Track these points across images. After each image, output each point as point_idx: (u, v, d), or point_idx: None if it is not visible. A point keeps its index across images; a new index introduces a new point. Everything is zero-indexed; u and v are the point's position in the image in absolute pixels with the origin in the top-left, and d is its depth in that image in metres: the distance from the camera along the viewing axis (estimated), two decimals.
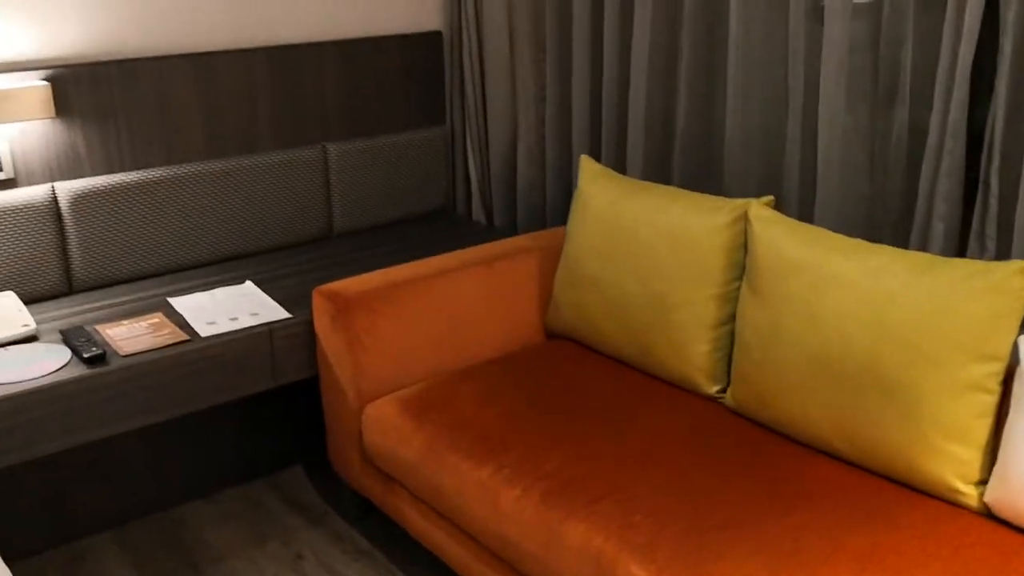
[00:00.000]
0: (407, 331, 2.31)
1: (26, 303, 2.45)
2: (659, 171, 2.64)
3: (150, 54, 2.56)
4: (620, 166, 2.74)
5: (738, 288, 2.10)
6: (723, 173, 2.46)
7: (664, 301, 2.16)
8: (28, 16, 2.36)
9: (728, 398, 2.09)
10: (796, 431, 1.92)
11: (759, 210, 2.03)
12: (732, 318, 2.11)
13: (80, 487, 2.47)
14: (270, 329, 2.29)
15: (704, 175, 2.56)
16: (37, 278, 2.44)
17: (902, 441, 1.73)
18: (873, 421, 1.76)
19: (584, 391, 2.18)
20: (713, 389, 2.14)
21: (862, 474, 1.82)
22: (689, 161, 2.55)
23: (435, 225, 3.05)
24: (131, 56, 2.53)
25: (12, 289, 2.42)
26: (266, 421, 2.77)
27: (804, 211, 2.31)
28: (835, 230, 2.20)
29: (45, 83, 2.32)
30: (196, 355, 2.20)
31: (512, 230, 3.08)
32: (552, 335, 2.53)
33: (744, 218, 2.08)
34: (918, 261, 1.77)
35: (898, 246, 2.15)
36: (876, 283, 1.77)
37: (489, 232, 2.97)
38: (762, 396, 1.97)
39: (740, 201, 2.10)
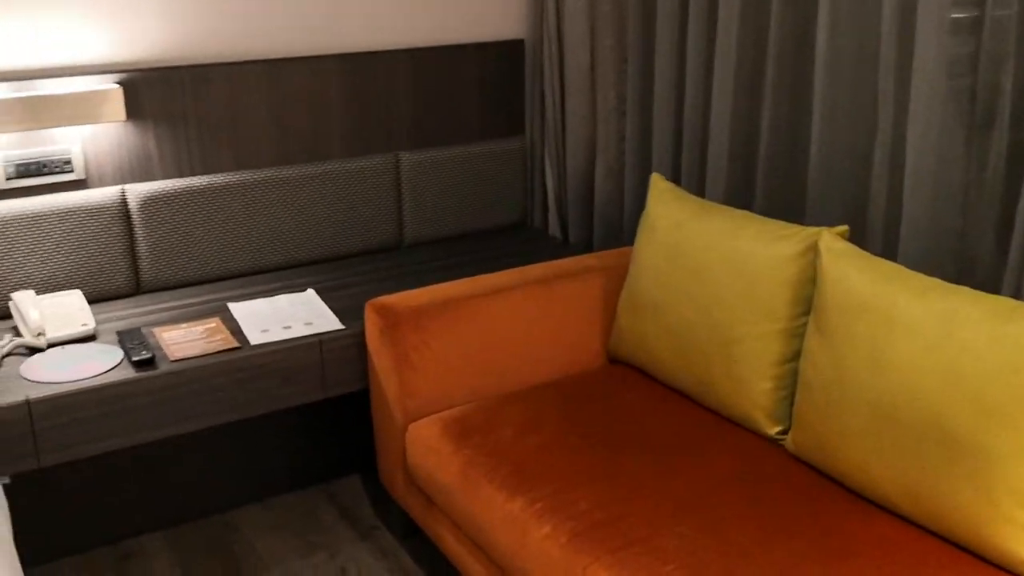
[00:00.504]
0: (458, 350, 2.24)
1: (94, 302, 2.49)
2: (740, 192, 2.49)
3: (222, 59, 2.57)
4: (700, 185, 2.60)
5: (805, 323, 1.95)
6: (806, 196, 2.30)
7: (725, 333, 2.03)
8: (102, 20, 2.39)
9: (789, 441, 1.94)
10: (856, 483, 1.76)
11: (831, 241, 1.88)
12: (798, 355, 1.96)
13: (135, 486, 2.49)
14: (320, 340, 2.25)
15: (787, 198, 2.40)
16: (105, 278, 2.48)
17: (969, 505, 1.56)
18: (938, 480, 1.59)
19: (635, 423, 2.06)
20: (774, 430, 1.99)
21: (924, 536, 1.65)
22: (772, 182, 2.39)
23: (508, 239, 2.98)
24: (204, 61, 2.55)
25: (80, 288, 2.46)
26: (328, 428, 2.74)
27: (889, 243, 2.14)
28: (920, 266, 2.02)
29: (117, 86, 2.35)
30: (244, 363, 2.18)
31: (587, 247, 2.98)
32: (614, 361, 2.42)
33: (815, 248, 1.92)
34: (1000, 307, 1.59)
35: (989, 287, 1.96)
36: (949, 329, 1.60)
37: (562, 248, 2.88)
38: (823, 442, 1.81)
39: (812, 230, 1.95)
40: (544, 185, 3.05)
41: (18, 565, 1.76)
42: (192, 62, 2.53)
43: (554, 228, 3.05)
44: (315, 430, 2.72)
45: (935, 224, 2.03)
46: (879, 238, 2.14)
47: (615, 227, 2.91)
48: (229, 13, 2.55)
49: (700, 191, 2.60)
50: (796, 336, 1.95)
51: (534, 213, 3.10)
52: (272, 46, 2.63)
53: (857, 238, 2.19)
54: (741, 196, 2.49)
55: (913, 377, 1.62)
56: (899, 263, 2.04)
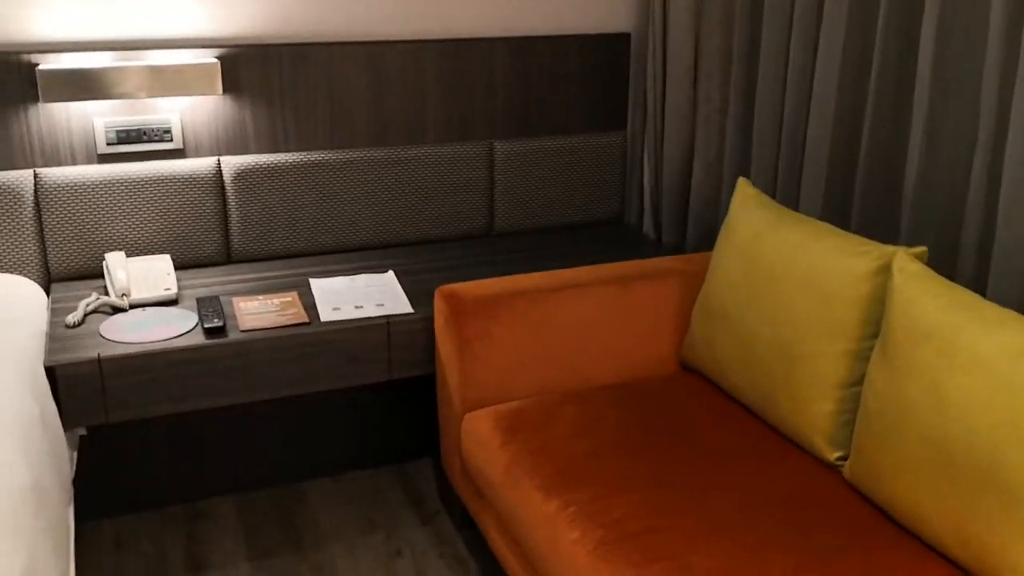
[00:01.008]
0: (523, 343, 2.21)
1: (187, 268, 2.58)
2: (837, 205, 2.36)
3: (321, 39, 2.61)
4: (796, 194, 2.49)
5: (874, 346, 1.83)
6: (902, 214, 2.16)
7: (791, 349, 1.93)
8: None
9: (846, 469, 1.83)
10: (909, 521, 1.65)
11: (904, 261, 1.76)
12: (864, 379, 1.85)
13: (213, 450, 2.58)
14: (388, 322, 2.27)
15: (884, 215, 2.26)
16: (197, 246, 2.57)
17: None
18: (992, 529, 1.47)
19: (691, 434, 1.99)
20: (833, 455, 1.88)
21: None
22: (869, 197, 2.26)
23: (600, 235, 2.93)
24: (302, 40, 2.60)
25: (172, 254, 2.55)
26: (405, 409, 2.77)
27: (979, 272, 1.98)
28: (1012, 300, 1.86)
29: (215, 60, 2.42)
30: (311, 338, 2.22)
31: (680, 248, 2.90)
32: (686, 368, 2.34)
33: (890, 268, 1.81)
34: None
35: None
36: (1017, 367, 1.47)
37: (653, 248, 2.81)
38: (879, 474, 1.71)
39: (888, 248, 1.83)
40: (642, 182, 2.98)
41: (70, 513, 1.84)
42: (290, 40, 2.59)
43: (648, 227, 2.99)
44: (393, 410, 2.75)
45: None
46: (969, 264, 1.99)
47: (710, 229, 2.82)
48: None
49: (795, 200, 2.49)
50: (864, 359, 1.84)
51: (630, 210, 3.04)
52: (371, 28, 2.65)
53: (947, 264, 2.05)
54: (837, 209, 2.37)
55: (972, 415, 1.50)
56: (988, 295, 1.90)
